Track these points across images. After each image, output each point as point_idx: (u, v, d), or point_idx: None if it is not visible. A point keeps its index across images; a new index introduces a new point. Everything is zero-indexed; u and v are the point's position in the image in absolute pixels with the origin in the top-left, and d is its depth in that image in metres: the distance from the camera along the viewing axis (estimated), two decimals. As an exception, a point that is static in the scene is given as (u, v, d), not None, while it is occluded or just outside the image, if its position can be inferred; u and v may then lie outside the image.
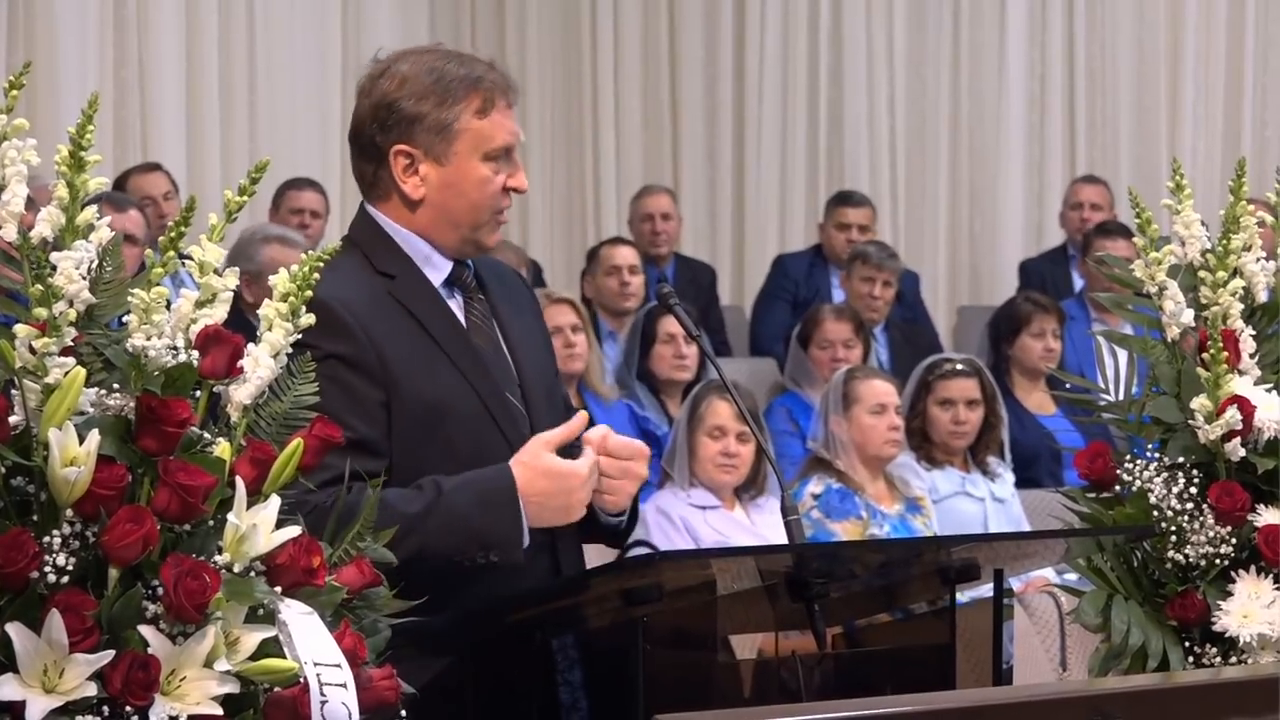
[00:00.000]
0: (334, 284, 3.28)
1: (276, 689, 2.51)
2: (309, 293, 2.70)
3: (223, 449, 2.59)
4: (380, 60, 3.41)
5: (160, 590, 2.45)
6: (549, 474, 3.18)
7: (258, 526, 2.54)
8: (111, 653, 2.42)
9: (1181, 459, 3.47)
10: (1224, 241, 3.55)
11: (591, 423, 3.34)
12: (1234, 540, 3.41)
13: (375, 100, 3.37)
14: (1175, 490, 3.43)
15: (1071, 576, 3.66)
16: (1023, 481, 7.39)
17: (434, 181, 3.36)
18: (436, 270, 3.39)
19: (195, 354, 2.57)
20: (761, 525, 6.14)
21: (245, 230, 7.88)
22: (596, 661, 3.07)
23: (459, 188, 3.36)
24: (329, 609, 2.61)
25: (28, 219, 2.58)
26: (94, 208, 2.61)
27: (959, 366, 7.11)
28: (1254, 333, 3.55)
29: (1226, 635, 3.38)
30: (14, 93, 2.63)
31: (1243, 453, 3.45)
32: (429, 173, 3.36)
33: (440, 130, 3.34)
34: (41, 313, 2.48)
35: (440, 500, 3.14)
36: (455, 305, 3.41)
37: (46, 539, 2.44)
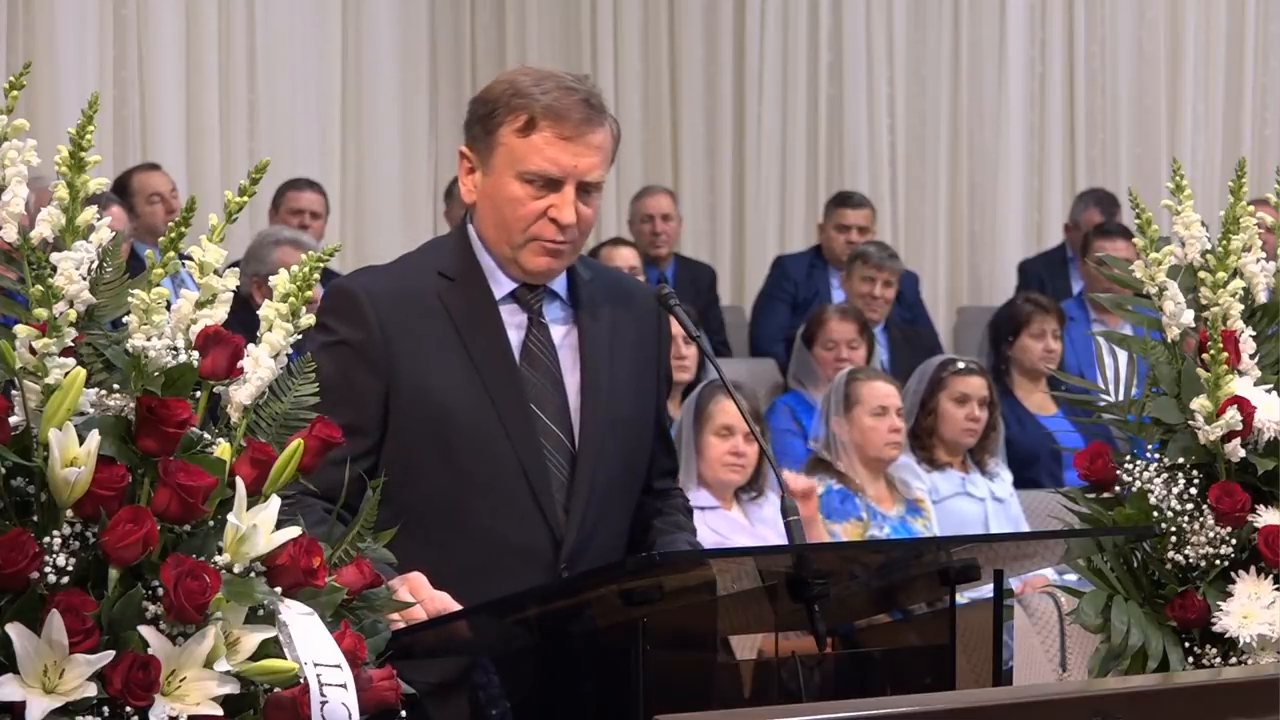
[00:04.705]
0: (381, 275, 3.43)
1: (276, 689, 2.51)
2: (309, 293, 2.70)
3: (223, 449, 2.59)
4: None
5: (160, 590, 2.45)
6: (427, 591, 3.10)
7: (258, 527, 2.54)
8: (111, 653, 2.42)
9: (1181, 460, 3.47)
10: (1224, 242, 3.54)
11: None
12: (1234, 541, 3.41)
13: (473, 100, 3.47)
14: (1175, 491, 3.43)
15: (1071, 577, 3.65)
16: (1023, 481, 7.38)
17: (480, 188, 3.43)
18: (499, 285, 3.42)
19: (195, 354, 2.57)
20: (760, 525, 6.13)
21: (258, 234, 7.90)
22: (596, 661, 3.07)
23: (494, 200, 3.40)
24: (329, 610, 2.61)
25: (25, 219, 2.58)
26: (94, 208, 2.61)
27: (973, 365, 7.12)
28: (1254, 333, 3.55)
29: (1226, 636, 3.38)
30: (14, 93, 2.63)
31: (1243, 453, 3.45)
32: (478, 179, 3.43)
33: (486, 140, 3.40)
34: (42, 313, 2.48)
35: None
36: (515, 322, 3.41)
37: (46, 539, 2.44)
